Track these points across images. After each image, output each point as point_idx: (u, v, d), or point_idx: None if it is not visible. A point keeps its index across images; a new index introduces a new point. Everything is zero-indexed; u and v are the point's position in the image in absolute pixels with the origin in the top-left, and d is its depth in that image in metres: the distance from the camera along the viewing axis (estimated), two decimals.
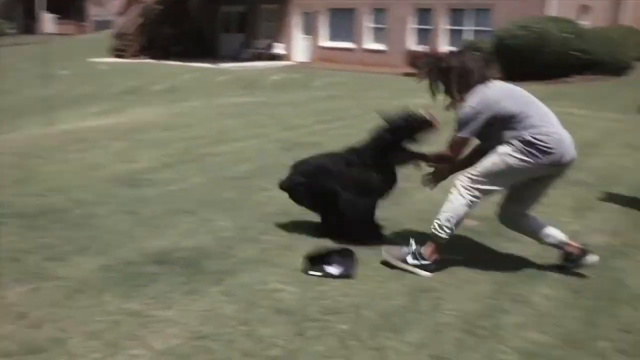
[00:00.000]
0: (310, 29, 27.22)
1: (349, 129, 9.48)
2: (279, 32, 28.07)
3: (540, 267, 4.16)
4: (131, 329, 3.09)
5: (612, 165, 7.63)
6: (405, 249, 4.02)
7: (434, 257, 3.97)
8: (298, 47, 27.62)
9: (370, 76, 20.54)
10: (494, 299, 3.65)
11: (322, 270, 3.85)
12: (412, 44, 23.63)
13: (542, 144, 3.76)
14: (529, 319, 3.42)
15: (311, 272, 3.84)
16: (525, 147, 3.77)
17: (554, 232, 4.15)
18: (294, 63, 26.55)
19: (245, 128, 9.52)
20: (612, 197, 6.00)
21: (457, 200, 3.91)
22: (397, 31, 24.33)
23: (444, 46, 22.86)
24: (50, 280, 3.65)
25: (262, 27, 28.93)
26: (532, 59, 18.22)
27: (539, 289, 3.81)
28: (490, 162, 3.86)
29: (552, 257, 4.27)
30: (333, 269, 3.86)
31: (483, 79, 3.92)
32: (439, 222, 3.94)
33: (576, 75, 18.85)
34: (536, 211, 4.75)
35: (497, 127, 3.82)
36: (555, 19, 19.05)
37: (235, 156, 7.36)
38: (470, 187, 3.89)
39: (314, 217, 4.74)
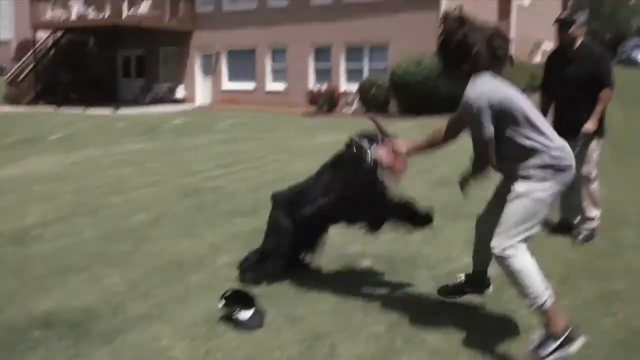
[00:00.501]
0: (211, 71, 27.16)
1: (251, 171, 9.45)
2: (179, 74, 27.85)
3: (434, 304, 4.21)
4: None
5: None
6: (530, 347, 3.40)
7: (561, 323, 3.33)
8: (200, 89, 27.47)
9: (272, 116, 20.65)
10: (389, 340, 3.66)
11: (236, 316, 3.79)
12: (312, 83, 23.95)
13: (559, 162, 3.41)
14: (422, 359, 3.44)
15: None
16: (546, 172, 3.39)
17: None
18: (196, 106, 26.36)
19: (142, 176, 9.30)
20: None
21: (515, 266, 3.38)
22: (297, 71, 24.63)
23: (344, 84, 23.32)
24: None
25: (162, 70, 28.63)
26: (427, 93, 18.80)
27: (433, 327, 3.84)
28: (521, 206, 3.41)
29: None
30: (244, 315, 3.79)
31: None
32: (531, 302, 3.36)
33: None
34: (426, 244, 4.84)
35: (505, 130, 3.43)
36: None
37: (131, 206, 7.15)
38: (512, 245, 3.39)
39: (210, 266, 4.66)
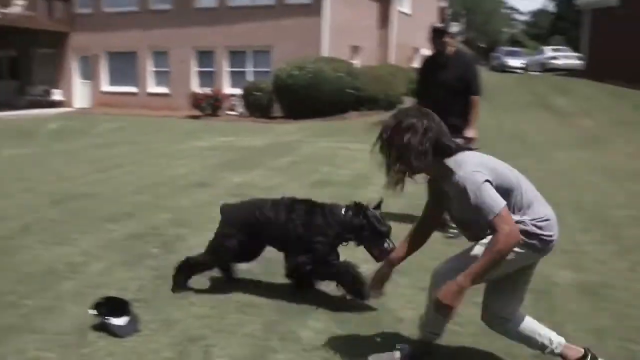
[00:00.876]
0: (90, 74, 26.24)
1: (129, 176, 9.22)
2: (56, 77, 26.72)
3: (310, 301, 4.28)
4: None
5: (379, 194, 8.13)
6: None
7: (575, 353, 3.21)
8: (78, 92, 26.47)
9: (154, 120, 20.23)
10: (264, 339, 3.69)
11: (105, 323, 3.69)
12: (196, 87, 23.65)
13: (543, 233, 2.99)
14: (297, 355, 3.49)
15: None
16: (525, 240, 2.94)
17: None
18: (74, 109, 25.38)
19: (12, 183, 8.86)
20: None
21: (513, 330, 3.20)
22: (180, 74, 24.25)
23: (227, 87, 23.19)
24: None
25: (38, 72, 27.34)
26: (310, 97, 19.04)
27: (307, 324, 3.91)
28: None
29: (320, 292, 4.44)
30: (118, 321, 3.69)
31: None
32: (543, 351, 3.22)
33: (352, 111, 19.98)
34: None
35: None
36: (329, 59, 20.12)
37: (1, 214, 6.80)
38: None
39: (82, 274, 4.51)
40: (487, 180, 2.82)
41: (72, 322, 3.84)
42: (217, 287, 4.54)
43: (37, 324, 3.82)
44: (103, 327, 3.70)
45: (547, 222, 3.00)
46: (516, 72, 36.26)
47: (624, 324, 4.00)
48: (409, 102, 21.82)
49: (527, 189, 3.02)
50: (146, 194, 7.71)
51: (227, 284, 4.59)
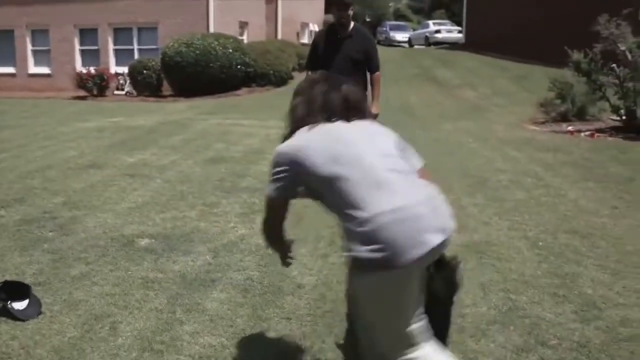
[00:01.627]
0: None
1: (15, 160, 8.87)
2: None
3: (213, 273, 4.39)
4: None
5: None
6: None
7: None
8: None
9: (37, 102, 19.39)
10: (170, 312, 3.76)
11: (6, 307, 3.64)
12: (79, 66, 22.81)
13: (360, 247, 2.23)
14: (203, 325, 3.60)
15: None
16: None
17: None
18: None
19: None
20: None
21: None
22: (62, 53, 23.30)
23: (113, 66, 22.53)
24: None
25: None
26: (199, 74, 18.87)
27: (212, 295, 4.02)
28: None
29: (223, 263, 4.55)
30: (19, 305, 3.66)
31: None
32: None
33: (243, 87, 19.97)
34: (202, 220, 4.99)
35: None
36: (217, 35, 19.95)
37: None
38: None
39: None
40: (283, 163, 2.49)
41: None
42: (117, 265, 4.55)
43: None
44: (4, 312, 3.66)
45: (371, 227, 2.20)
46: (402, 46, 37.28)
47: (506, 277, 4.36)
48: (298, 77, 22.05)
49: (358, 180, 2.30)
50: (36, 178, 7.48)
51: (129, 261, 4.62)
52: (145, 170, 7.92)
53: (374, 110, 6.00)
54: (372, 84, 6.17)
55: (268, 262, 4.54)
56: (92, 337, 3.43)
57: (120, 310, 3.78)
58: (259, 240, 5.11)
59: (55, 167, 8.18)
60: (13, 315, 3.63)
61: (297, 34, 28.44)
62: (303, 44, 27.20)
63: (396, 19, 54.90)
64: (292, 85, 20.87)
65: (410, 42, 38.16)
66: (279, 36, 26.44)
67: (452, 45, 32.94)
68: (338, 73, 6.02)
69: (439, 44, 34.43)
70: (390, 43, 38.53)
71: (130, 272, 4.40)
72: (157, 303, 3.89)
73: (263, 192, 6.56)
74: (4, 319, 3.64)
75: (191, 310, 3.79)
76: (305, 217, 5.46)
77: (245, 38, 23.14)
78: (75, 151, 9.42)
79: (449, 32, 35.85)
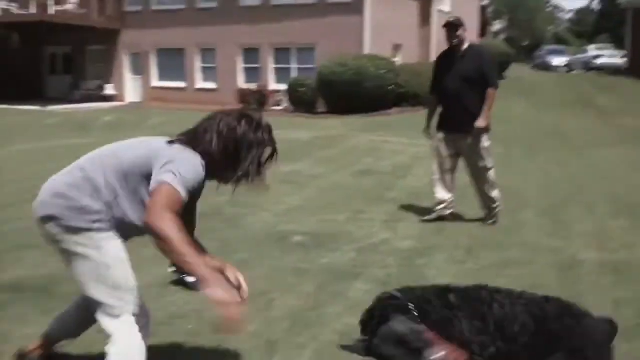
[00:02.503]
0: (140, 69, 27.25)
1: None
2: (108, 72, 27.81)
3: (357, 268, 4.89)
4: None
5: (419, 183, 8.67)
6: None
7: None
8: (129, 87, 27.53)
9: (202, 114, 20.94)
10: (317, 296, 4.31)
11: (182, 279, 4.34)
12: (242, 82, 24.44)
13: None
14: (346, 309, 4.09)
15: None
16: None
17: None
18: (126, 103, 26.42)
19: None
20: (418, 210, 6.93)
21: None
22: (227, 70, 25.06)
23: (273, 83, 23.91)
24: None
25: (90, 67, 28.50)
26: (353, 93, 19.63)
27: (355, 286, 4.52)
28: None
29: (366, 260, 5.04)
30: (192, 278, 4.35)
31: None
32: None
33: (394, 107, 20.50)
34: (349, 224, 5.49)
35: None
36: (371, 57, 20.67)
37: None
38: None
39: None
40: None
41: (155, 279, 4.50)
42: (274, 255, 5.17)
43: None
44: (180, 283, 4.36)
45: None
46: (558, 72, 36.29)
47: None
48: None
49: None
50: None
51: (284, 253, 5.23)
52: (300, 179, 8.63)
53: (479, 123, 6.15)
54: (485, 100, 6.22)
55: (408, 264, 4.97)
56: (251, 309, 4.02)
57: (275, 291, 4.37)
58: (401, 244, 5.58)
59: None
60: (187, 286, 4.32)
61: None
62: None
63: (557, 43, 53.33)
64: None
65: (569, 66, 37.07)
66: (432, 58, 26.78)
67: (615, 71, 31.65)
68: (452, 93, 6.36)
69: (599, 69, 33.21)
70: (547, 67, 37.63)
71: (284, 262, 5.01)
72: (307, 288, 4.45)
73: (406, 203, 7.00)
74: (180, 288, 4.34)
75: (336, 296, 4.30)
76: (446, 227, 5.85)
77: (398, 60, 23.71)
78: None
79: (610, 57, 34.51)
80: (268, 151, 2.94)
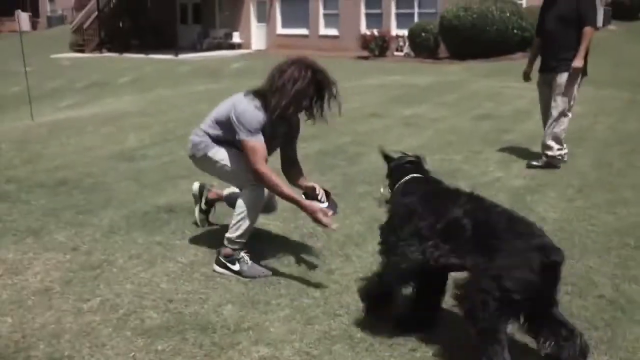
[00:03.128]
0: (265, 17, 28.12)
1: None
2: (235, 21, 28.91)
3: None
4: (161, 252, 4.14)
5: (538, 127, 8.82)
6: None
7: None
8: (255, 35, 28.53)
9: (326, 60, 21.32)
10: None
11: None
12: (364, 28, 24.73)
13: None
14: None
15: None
16: None
17: None
18: (252, 51, 27.45)
19: None
20: (534, 153, 7.17)
21: None
22: (349, 16, 25.41)
23: (394, 29, 24.04)
24: (86, 226, 4.66)
25: (219, 17, 29.74)
26: (476, 38, 19.49)
27: None
28: None
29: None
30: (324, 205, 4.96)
31: None
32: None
33: (518, 52, 20.15)
34: (466, 163, 5.87)
35: None
36: (495, 0, 20.34)
37: None
38: None
39: None
40: None
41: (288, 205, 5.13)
42: None
43: None
44: None
45: None
46: None
47: None
48: None
49: None
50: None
51: None
52: (419, 121, 9.02)
53: (575, 63, 6.16)
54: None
55: (518, 200, 5.33)
56: (372, 232, 4.57)
57: None
58: (514, 182, 5.93)
59: (344, 115, 9.63)
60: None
61: None
62: None
63: None
64: None
65: None
66: None
67: None
68: (550, 34, 6.41)
69: None
70: None
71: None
72: None
73: (523, 146, 7.27)
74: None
75: None
76: (560, 168, 6.13)
77: (524, 2, 23.08)
78: (360, 103, 10.85)
79: None
80: (314, 89, 3.80)
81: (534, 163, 6.59)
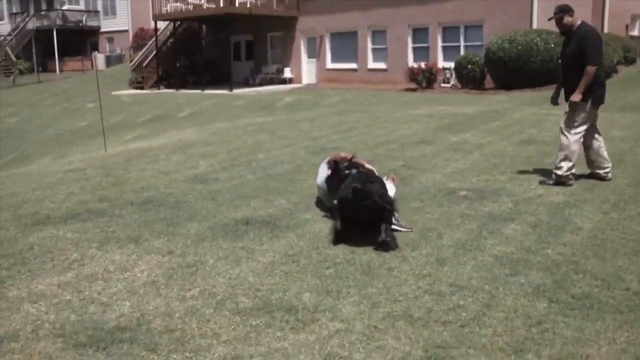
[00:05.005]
0: (315, 53, 29.14)
1: (364, 135, 11.25)
2: (286, 57, 30.03)
3: (512, 215, 5.88)
4: (244, 254, 4.84)
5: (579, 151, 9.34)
6: None
7: None
8: (305, 70, 29.55)
9: (374, 93, 22.39)
10: (478, 232, 5.37)
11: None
12: (411, 61, 25.47)
13: None
14: (501, 241, 5.13)
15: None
16: None
17: None
18: (303, 85, 28.44)
19: (275, 140, 11.29)
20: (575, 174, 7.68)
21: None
22: (396, 50, 26.20)
23: (441, 61, 24.71)
24: (176, 235, 5.41)
25: (270, 53, 30.92)
26: (521, 69, 20.01)
27: (510, 226, 5.53)
28: None
29: (521, 209, 6.01)
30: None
31: None
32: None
33: None
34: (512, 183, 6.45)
35: None
36: (539, 31, 20.84)
37: (274, 160, 9.10)
38: None
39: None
40: None
41: None
42: (442, 203, 6.29)
43: (325, 219, 5.84)
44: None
45: None
46: None
47: None
48: (623, 71, 21.86)
49: None
50: (380, 149, 9.66)
51: (451, 203, 6.34)
52: (465, 147, 9.62)
53: (572, 97, 6.96)
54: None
55: (557, 213, 5.89)
56: (425, 239, 5.19)
57: (443, 227, 5.50)
58: (554, 198, 6.48)
59: (394, 142, 10.31)
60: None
61: (626, 27, 27.73)
62: (632, 37, 26.54)
63: None
64: (617, 80, 20.79)
65: None
66: (605, 30, 26.15)
67: None
68: (563, 69, 7.24)
69: None
70: None
71: (451, 209, 6.11)
72: (470, 226, 5.53)
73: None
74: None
75: (493, 233, 5.35)
76: (599, 185, 6.65)
77: None
78: (409, 131, 11.51)
79: None
80: None
81: (547, 181, 7.21)
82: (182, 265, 4.64)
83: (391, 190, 5.74)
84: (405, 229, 5.42)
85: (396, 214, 5.50)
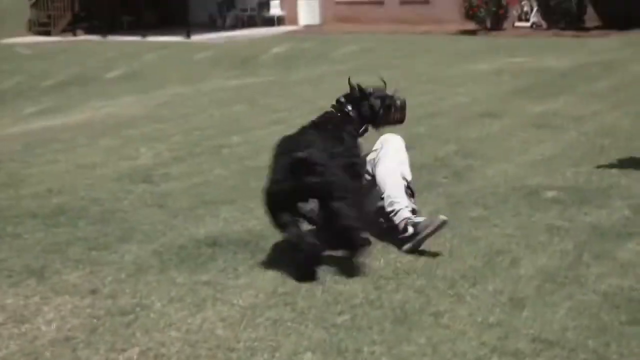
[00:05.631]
0: None
1: None
2: None
3: (630, 228, 5.85)
4: (210, 293, 4.84)
5: None
6: None
7: None
8: (303, 4, 29.42)
9: (412, 38, 22.36)
10: (576, 256, 5.35)
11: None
12: None
13: None
14: (612, 270, 5.11)
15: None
16: None
17: None
18: (300, 27, 28.40)
19: (258, 115, 11.31)
20: None
21: None
22: None
23: None
24: (103, 264, 5.41)
25: None
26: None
27: (626, 246, 5.51)
28: None
29: None
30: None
31: None
32: None
33: None
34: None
35: None
36: None
37: (257, 146, 9.08)
38: None
39: None
40: None
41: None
42: (520, 212, 6.28)
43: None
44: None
45: None
46: None
47: None
48: None
49: None
50: (423, 125, 9.65)
51: (532, 209, 6.33)
52: (556, 121, 9.62)
53: None
54: None
55: None
56: (492, 267, 5.18)
57: (521, 249, 5.49)
58: None
59: (443, 114, 10.32)
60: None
61: None
62: None
63: None
64: None
65: None
66: None
67: None
68: None
69: None
70: None
71: (533, 219, 6.10)
72: (562, 247, 5.51)
73: None
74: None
75: (600, 257, 5.32)
76: None
77: None
78: (466, 97, 11.52)
79: None
80: None
81: None
82: (113, 312, 4.63)
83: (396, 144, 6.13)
84: (429, 227, 5.47)
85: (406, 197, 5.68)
